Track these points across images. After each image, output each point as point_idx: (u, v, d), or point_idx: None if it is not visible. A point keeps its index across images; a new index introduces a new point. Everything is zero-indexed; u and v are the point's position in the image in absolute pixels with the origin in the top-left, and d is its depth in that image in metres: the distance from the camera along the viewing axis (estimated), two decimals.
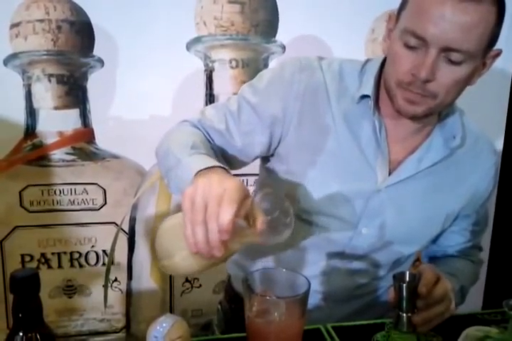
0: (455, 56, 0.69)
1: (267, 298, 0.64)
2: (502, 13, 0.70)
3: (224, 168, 0.67)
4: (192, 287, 1.49)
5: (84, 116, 1.37)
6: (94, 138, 1.39)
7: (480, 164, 0.87)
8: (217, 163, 0.67)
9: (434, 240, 0.91)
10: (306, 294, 0.65)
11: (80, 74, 1.35)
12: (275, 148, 0.84)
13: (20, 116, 1.34)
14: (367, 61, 0.83)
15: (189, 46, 1.37)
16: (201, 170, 0.65)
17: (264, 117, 0.81)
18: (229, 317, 1.01)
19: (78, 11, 1.30)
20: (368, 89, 0.78)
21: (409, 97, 0.73)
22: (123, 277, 1.46)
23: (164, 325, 0.55)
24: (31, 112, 1.35)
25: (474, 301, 1.69)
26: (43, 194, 1.38)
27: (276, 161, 0.86)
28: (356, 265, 0.87)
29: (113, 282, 1.47)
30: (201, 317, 1.51)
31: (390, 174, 0.82)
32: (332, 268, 0.86)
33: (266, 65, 1.43)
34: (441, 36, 0.68)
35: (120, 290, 1.48)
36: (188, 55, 1.38)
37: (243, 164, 0.87)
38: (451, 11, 0.67)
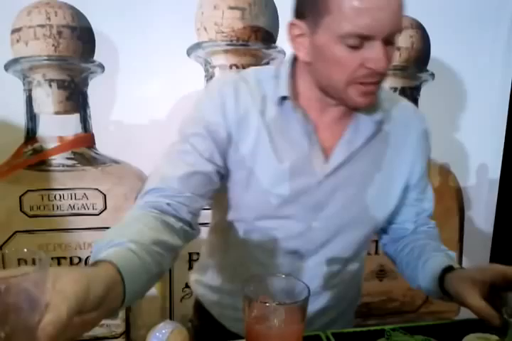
0: (393, 38, 0.73)
1: (267, 304, 0.64)
2: None
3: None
4: (192, 293, 1.48)
5: (85, 121, 1.38)
6: (94, 143, 1.39)
7: (411, 133, 0.89)
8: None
9: (390, 219, 0.92)
10: (306, 300, 0.64)
11: (80, 80, 1.35)
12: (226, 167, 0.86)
13: (20, 121, 1.34)
14: (278, 66, 0.86)
15: (190, 52, 1.38)
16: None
17: (217, 140, 0.82)
18: (200, 334, 1.03)
19: (79, 16, 1.31)
20: (284, 90, 0.81)
21: (365, 90, 0.75)
22: None
23: (164, 331, 0.54)
24: (32, 117, 1.35)
25: None
26: (43, 199, 1.38)
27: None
28: (322, 256, 0.88)
29: None
30: None
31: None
32: (300, 265, 0.88)
33: None
34: (384, 27, 0.70)
35: None
36: (189, 60, 1.38)
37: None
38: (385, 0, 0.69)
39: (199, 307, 1.03)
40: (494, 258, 1.68)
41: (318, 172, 0.83)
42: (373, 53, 0.71)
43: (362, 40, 0.71)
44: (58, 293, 0.46)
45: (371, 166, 0.86)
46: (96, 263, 0.57)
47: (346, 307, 0.99)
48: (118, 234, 0.68)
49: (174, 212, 0.77)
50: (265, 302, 0.63)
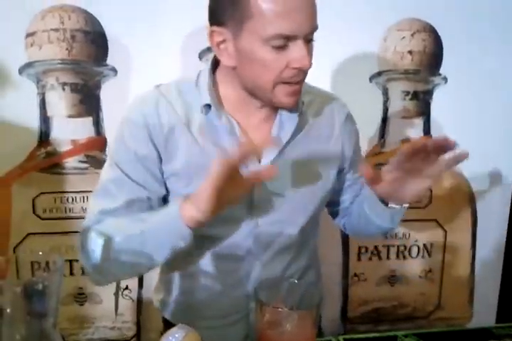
0: (312, 35, 0.76)
1: (279, 309, 0.63)
2: None
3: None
4: None
5: (98, 124, 1.38)
6: (107, 146, 1.40)
7: (334, 123, 0.92)
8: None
9: (330, 202, 0.97)
10: (318, 305, 0.64)
11: (93, 83, 1.36)
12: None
13: (34, 124, 1.35)
14: (198, 75, 0.86)
15: (202, 55, 1.38)
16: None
17: (148, 164, 0.83)
18: None
19: (92, 20, 1.32)
20: (206, 98, 0.81)
21: (290, 91, 0.78)
22: (134, 285, 1.46)
23: (177, 335, 0.54)
24: (45, 120, 1.36)
25: (488, 315, 1.67)
26: (55, 201, 1.38)
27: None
28: (279, 244, 0.89)
29: (124, 290, 1.47)
30: None
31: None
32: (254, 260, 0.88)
33: None
34: (304, 26, 0.73)
35: (131, 298, 1.48)
36: (201, 63, 1.39)
37: None
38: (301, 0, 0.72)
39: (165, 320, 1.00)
40: (508, 264, 1.66)
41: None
42: (297, 53, 0.74)
43: (286, 40, 0.73)
44: None
45: (301, 160, 0.88)
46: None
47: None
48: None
49: None
50: (278, 308, 0.63)
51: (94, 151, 1.39)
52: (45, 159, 1.37)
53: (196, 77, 0.86)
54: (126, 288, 1.47)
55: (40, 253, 0.51)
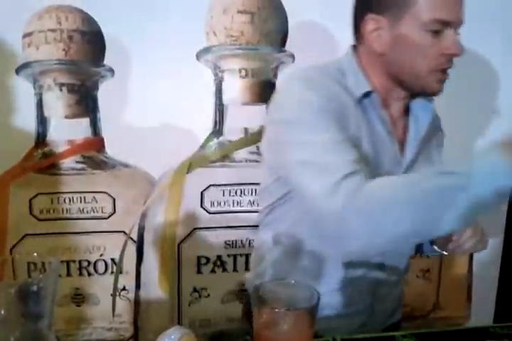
0: (459, 29, 0.80)
1: (276, 309, 0.63)
2: None
3: None
4: (200, 297, 1.48)
5: (95, 125, 1.38)
6: (104, 146, 1.40)
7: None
8: None
9: None
10: (316, 305, 0.64)
11: (90, 84, 1.36)
12: None
13: (31, 125, 1.35)
14: (335, 61, 0.87)
15: (199, 56, 1.38)
16: None
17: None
18: None
19: (90, 21, 1.32)
20: (366, 85, 0.83)
21: (441, 78, 0.82)
22: (131, 286, 1.46)
23: (173, 337, 0.54)
24: (42, 121, 1.36)
25: (486, 314, 1.67)
26: (52, 202, 1.38)
27: None
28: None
29: (121, 291, 1.47)
30: (209, 327, 1.50)
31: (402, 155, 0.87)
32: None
33: (275, 75, 1.43)
34: (457, 14, 0.79)
35: (128, 299, 1.47)
36: (199, 64, 1.38)
37: None
38: None
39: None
40: (505, 263, 1.67)
41: (402, 163, 0.87)
42: (451, 40, 0.79)
43: (442, 26, 0.78)
44: None
45: (433, 151, 0.93)
46: None
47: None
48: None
49: None
50: (274, 308, 0.63)
51: (91, 152, 1.39)
52: (42, 160, 1.37)
53: (334, 64, 0.86)
54: (124, 288, 1.47)
55: (35, 254, 0.51)
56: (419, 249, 0.95)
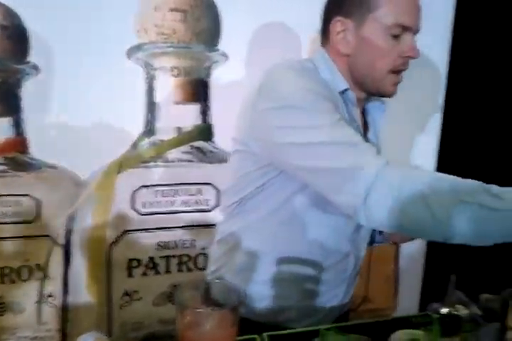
0: (415, 36, 0.85)
1: (198, 310, 0.63)
2: None
3: None
4: (131, 300, 1.45)
5: (18, 124, 1.31)
6: (27, 147, 1.34)
7: None
8: None
9: None
10: (239, 304, 0.64)
11: (13, 81, 1.29)
12: None
13: None
14: (306, 60, 0.90)
15: (129, 54, 1.34)
16: None
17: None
18: None
19: (11, 15, 1.25)
20: (344, 82, 0.87)
21: (396, 81, 0.86)
22: (58, 292, 1.40)
23: None
24: None
25: (410, 304, 1.75)
26: None
27: None
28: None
29: (48, 297, 1.41)
30: (141, 330, 1.48)
31: None
32: None
33: (208, 74, 1.43)
34: (417, 21, 0.84)
35: (55, 305, 1.42)
36: (129, 62, 1.35)
37: None
38: None
39: None
40: (430, 260, 1.75)
41: None
42: (409, 43, 0.84)
43: (402, 31, 0.83)
44: None
45: None
46: None
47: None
48: None
49: None
50: (197, 308, 0.63)
51: (14, 153, 1.32)
52: None
53: (306, 62, 0.88)
54: (50, 295, 1.41)
55: None
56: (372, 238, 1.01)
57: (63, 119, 1.34)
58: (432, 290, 1.70)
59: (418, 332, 0.63)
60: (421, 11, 0.85)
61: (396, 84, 0.87)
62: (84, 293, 1.37)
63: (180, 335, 0.65)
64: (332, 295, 0.95)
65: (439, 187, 0.66)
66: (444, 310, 0.58)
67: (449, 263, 1.50)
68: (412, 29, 0.84)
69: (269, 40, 1.43)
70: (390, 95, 0.88)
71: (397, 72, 0.85)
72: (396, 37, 0.83)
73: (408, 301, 1.75)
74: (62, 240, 1.36)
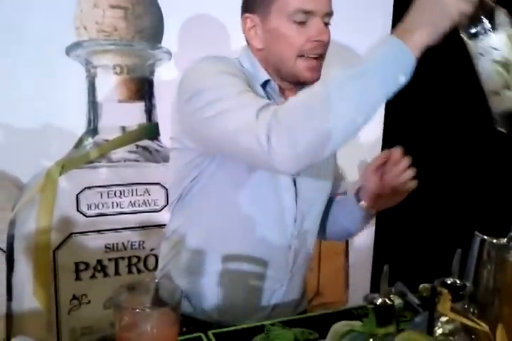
0: (327, 19, 0.86)
1: (137, 310, 0.62)
2: None
3: None
4: (80, 304, 1.42)
5: None
6: None
7: None
8: None
9: None
10: (178, 302, 0.64)
11: None
12: None
13: None
14: (239, 57, 0.92)
15: (69, 51, 1.31)
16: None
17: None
18: None
19: None
20: (265, 75, 0.89)
21: (310, 65, 0.85)
22: (1, 298, 1.35)
23: None
24: None
25: (360, 294, 1.79)
26: None
27: None
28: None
29: None
30: (92, 334, 1.44)
31: None
32: None
33: (152, 72, 1.41)
34: (322, 6, 0.84)
35: None
36: (69, 60, 1.32)
37: None
38: None
39: None
40: (378, 247, 1.79)
41: None
42: (316, 27, 0.84)
43: (306, 16, 0.83)
44: None
45: None
46: None
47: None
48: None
49: None
50: (135, 309, 0.62)
51: None
52: None
53: (234, 58, 0.91)
54: None
55: None
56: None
57: (4, 120, 1.29)
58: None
59: (356, 323, 0.64)
60: None
61: (312, 69, 0.86)
62: (29, 299, 1.33)
63: (119, 337, 0.63)
64: (275, 291, 0.94)
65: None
66: (379, 301, 0.59)
67: (396, 255, 1.55)
68: (319, 13, 0.84)
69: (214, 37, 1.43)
70: (309, 81, 0.86)
71: (308, 57, 0.85)
72: (302, 23, 0.83)
73: (359, 294, 1.78)
74: (3, 245, 1.31)
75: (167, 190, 1.43)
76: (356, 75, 0.67)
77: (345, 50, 1.49)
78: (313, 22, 0.84)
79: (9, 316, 1.35)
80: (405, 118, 1.69)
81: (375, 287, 1.77)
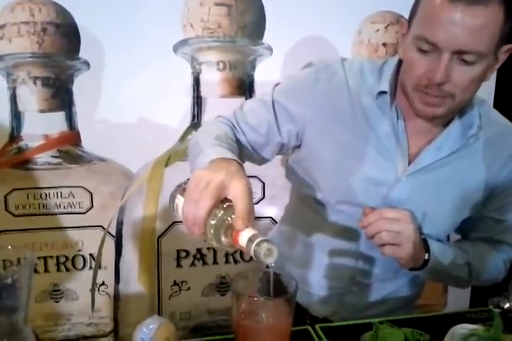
0: (468, 57, 0.72)
1: (255, 299, 0.64)
2: (510, 11, 0.71)
3: (238, 163, 0.69)
4: (180, 290, 1.48)
5: (70, 119, 1.36)
6: (80, 141, 1.38)
7: (501, 154, 0.87)
8: (233, 157, 0.70)
9: (458, 227, 0.92)
10: (294, 294, 0.65)
11: (65, 77, 1.34)
12: (296, 145, 0.89)
13: (4, 119, 1.33)
14: (385, 61, 0.87)
15: (176, 48, 1.37)
16: (216, 159, 0.68)
17: (294, 115, 0.85)
18: None
19: (64, 13, 1.29)
20: (385, 86, 0.82)
21: (427, 100, 0.76)
22: (110, 281, 1.45)
23: (151, 326, 0.54)
24: (16, 115, 1.33)
25: (462, 300, 1.71)
26: (28, 198, 1.36)
27: (298, 157, 0.91)
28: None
29: (100, 286, 1.45)
30: (190, 320, 1.50)
31: (409, 164, 0.84)
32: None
33: (253, 67, 1.43)
34: (452, 41, 0.70)
35: (108, 294, 1.47)
36: (175, 57, 1.37)
37: (265, 160, 0.91)
38: (460, 16, 0.69)
39: None
40: None
41: (400, 171, 0.84)
42: (435, 63, 0.72)
43: (431, 47, 0.72)
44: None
45: (448, 177, 0.85)
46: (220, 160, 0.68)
47: (407, 296, 0.98)
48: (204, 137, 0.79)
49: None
50: (253, 297, 0.63)
51: (67, 146, 1.37)
52: (16, 155, 1.34)
53: (382, 63, 0.86)
54: (103, 283, 1.46)
55: (10, 247, 0.50)
56: None
57: (111, 114, 1.38)
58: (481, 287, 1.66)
59: (478, 327, 0.61)
60: (471, 32, 0.70)
61: (428, 104, 0.76)
62: (134, 282, 1.41)
63: (236, 324, 0.66)
64: (379, 289, 0.93)
65: None
66: (507, 305, 0.56)
67: None
68: (444, 49, 0.71)
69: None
70: (421, 115, 0.78)
71: (422, 91, 0.75)
72: (424, 52, 0.73)
73: (459, 298, 1.71)
74: (113, 231, 1.41)
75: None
76: None
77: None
78: (438, 56, 0.72)
79: (116, 297, 1.45)
80: None
81: (476, 290, 1.69)
